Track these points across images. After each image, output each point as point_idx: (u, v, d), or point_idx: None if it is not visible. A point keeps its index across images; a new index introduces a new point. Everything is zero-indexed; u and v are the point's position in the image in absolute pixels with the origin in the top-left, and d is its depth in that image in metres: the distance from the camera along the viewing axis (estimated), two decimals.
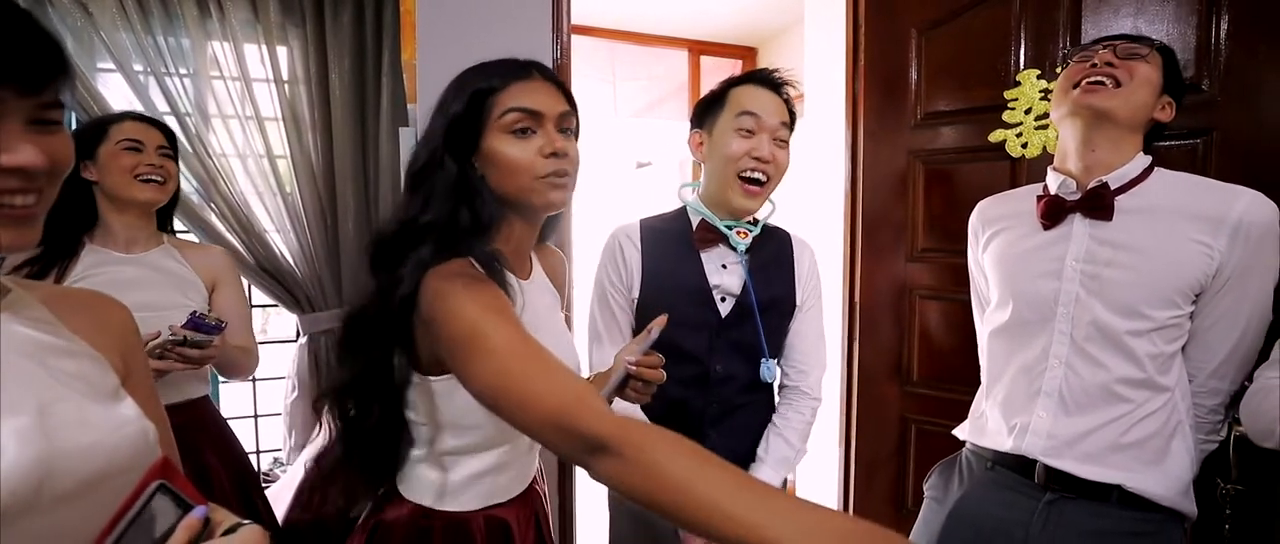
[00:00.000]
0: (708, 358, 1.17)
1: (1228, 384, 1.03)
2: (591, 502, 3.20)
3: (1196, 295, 0.99)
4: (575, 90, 2.08)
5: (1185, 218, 0.98)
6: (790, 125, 1.19)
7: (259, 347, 1.47)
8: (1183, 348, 1.03)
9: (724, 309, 1.17)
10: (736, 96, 1.16)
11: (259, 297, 2.07)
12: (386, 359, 0.81)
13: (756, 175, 1.13)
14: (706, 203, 1.21)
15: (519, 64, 0.85)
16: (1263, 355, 1.00)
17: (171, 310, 1.23)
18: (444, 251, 0.79)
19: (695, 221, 1.21)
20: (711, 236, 1.17)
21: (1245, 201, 0.96)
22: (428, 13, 1.59)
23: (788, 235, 1.27)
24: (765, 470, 1.19)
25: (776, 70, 1.19)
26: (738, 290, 1.17)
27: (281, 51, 1.91)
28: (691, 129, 1.24)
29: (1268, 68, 1.23)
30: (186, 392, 1.32)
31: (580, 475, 1.96)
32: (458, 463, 0.87)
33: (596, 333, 1.24)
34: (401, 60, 1.89)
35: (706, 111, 1.21)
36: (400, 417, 0.86)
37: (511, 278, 0.83)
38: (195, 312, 1.22)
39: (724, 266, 1.18)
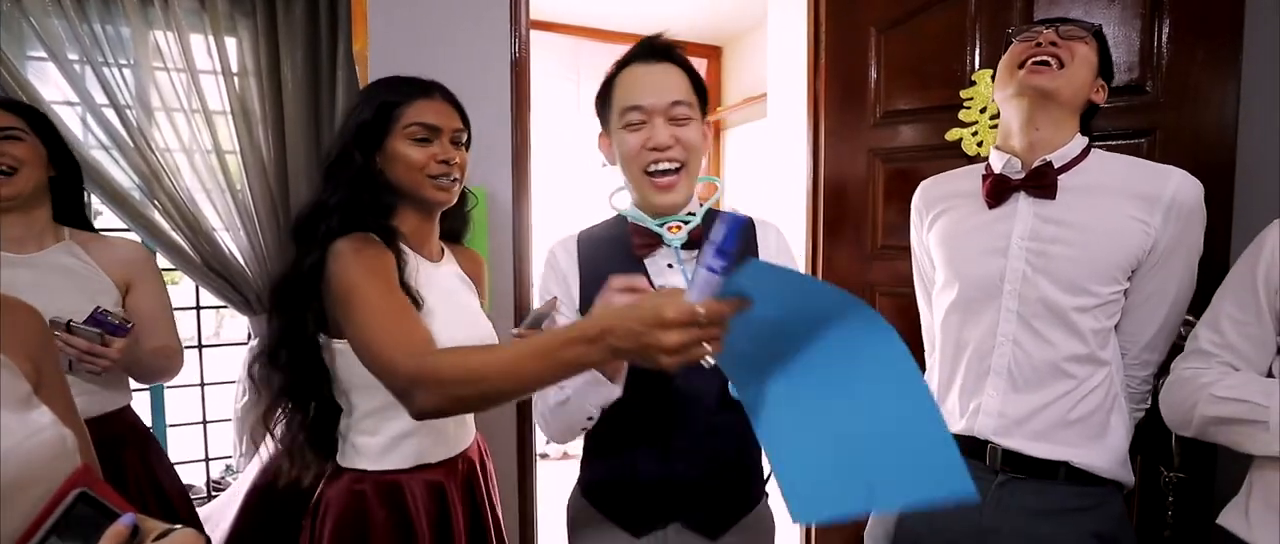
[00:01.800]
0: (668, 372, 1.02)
1: (1157, 355, 1.08)
2: (556, 505, 3.16)
3: (1132, 271, 1.03)
4: (537, 88, 2.06)
5: (1124, 196, 1.02)
6: (697, 93, 1.02)
7: (204, 350, 1.40)
8: (1116, 323, 1.07)
9: None
10: (618, 87, 1.02)
11: (208, 298, 1.98)
12: (306, 318, 0.97)
13: (661, 165, 0.99)
14: (639, 206, 1.07)
15: (423, 83, 1.04)
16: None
17: (75, 315, 1.13)
18: (348, 225, 0.96)
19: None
20: (649, 240, 1.04)
21: (1176, 180, 1.00)
22: (381, 4, 1.55)
23: (748, 221, 1.10)
24: None
25: (658, 38, 1.03)
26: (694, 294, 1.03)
27: (230, 42, 1.84)
28: (599, 132, 1.10)
29: (1205, 70, 1.28)
30: (103, 404, 1.21)
31: (542, 478, 1.94)
32: (381, 425, 1.01)
33: None
34: (354, 52, 1.83)
35: (601, 111, 1.08)
36: (324, 373, 1.01)
37: (410, 252, 1.01)
38: (98, 308, 1.14)
39: (670, 266, 1.04)
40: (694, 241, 1.02)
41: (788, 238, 1.14)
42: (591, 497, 1.07)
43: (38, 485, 0.51)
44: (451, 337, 0.94)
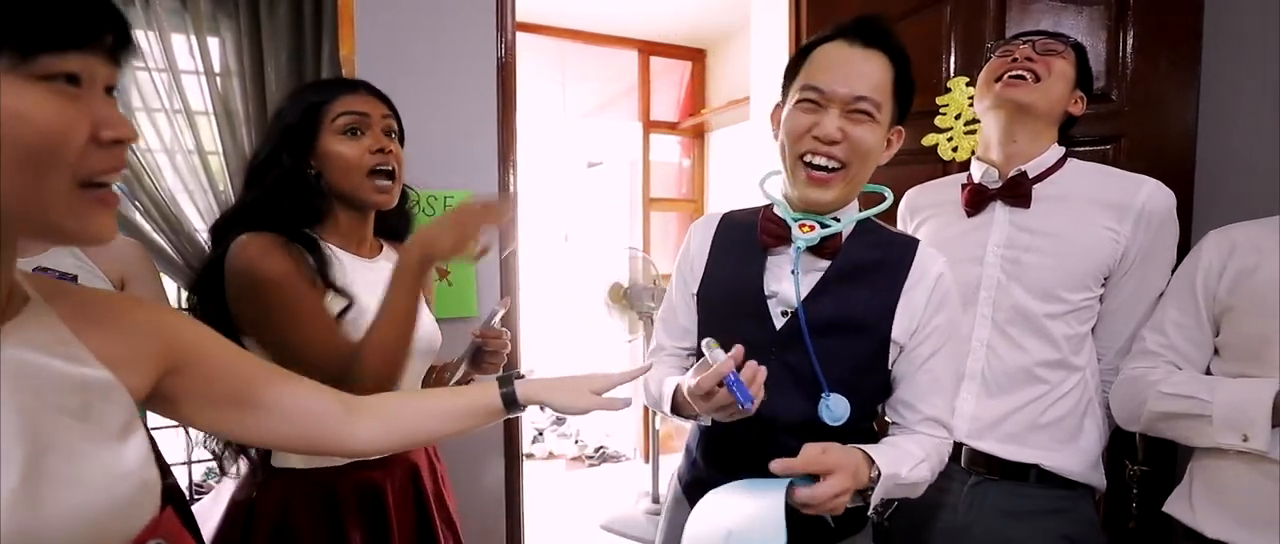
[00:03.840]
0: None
1: None
2: (543, 505, 3.17)
3: (1105, 278, 1.06)
4: (523, 90, 2.07)
5: (1096, 205, 1.05)
6: (898, 94, 0.90)
7: None
8: (1093, 329, 1.10)
9: (780, 322, 0.92)
10: (813, 60, 0.91)
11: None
12: (221, 315, 0.95)
13: (819, 160, 0.88)
14: (787, 196, 0.96)
15: (348, 80, 1.04)
16: None
17: None
18: (260, 225, 0.94)
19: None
20: (777, 231, 0.94)
21: (1147, 190, 1.04)
22: (366, 6, 1.55)
23: (910, 244, 0.94)
24: (887, 454, 0.86)
25: (876, 20, 0.89)
26: (799, 301, 0.91)
27: (212, 42, 1.83)
28: (777, 103, 0.99)
29: (1168, 79, 1.33)
30: None
31: (528, 477, 1.95)
32: None
33: (661, 317, 1.10)
34: (340, 55, 1.83)
35: (788, 76, 0.95)
36: None
37: (336, 250, 1.00)
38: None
39: (792, 273, 0.92)
40: (830, 251, 0.91)
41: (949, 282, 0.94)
42: (685, 491, 1.04)
43: (114, 539, 0.48)
44: None
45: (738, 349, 0.80)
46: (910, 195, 1.29)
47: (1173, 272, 1.08)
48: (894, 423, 0.96)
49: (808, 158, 0.89)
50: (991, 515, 1.08)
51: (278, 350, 0.90)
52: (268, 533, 0.98)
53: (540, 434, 4.00)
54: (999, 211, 1.11)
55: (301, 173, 0.98)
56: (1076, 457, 1.07)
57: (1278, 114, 1.30)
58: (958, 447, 1.11)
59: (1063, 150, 1.11)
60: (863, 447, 0.85)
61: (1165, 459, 1.30)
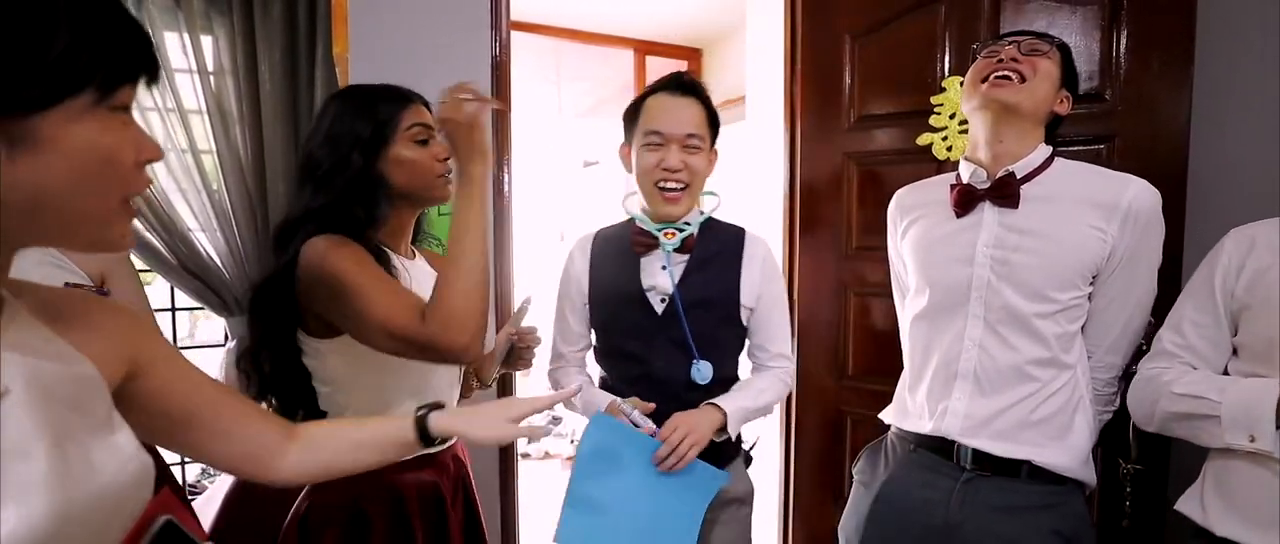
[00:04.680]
0: (648, 357, 1.22)
1: (1121, 359, 1.12)
2: (538, 505, 3.17)
3: (1093, 277, 1.07)
4: (517, 90, 2.07)
5: (1083, 204, 1.05)
6: (711, 126, 1.23)
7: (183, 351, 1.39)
8: (1082, 326, 1.10)
9: (660, 309, 1.22)
10: (646, 110, 1.22)
11: (183, 299, 1.96)
12: (286, 320, 1.01)
13: (670, 185, 1.19)
14: (645, 211, 1.26)
15: (408, 91, 1.10)
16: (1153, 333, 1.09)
17: None
18: (327, 229, 0.98)
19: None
20: (646, 240, 1.23)
21: (1134, 189, 1.04)
22: (360, 5, 1.55)
23: (740, 233, 1.29)
24: (737, 396, 1.21)
25: (686, 74, 1.25)
26: (672, 290, 1.21)
27: (206, 41, 1.82)
28: (623, 142, 1.29)
29: (1159, 79, 1.34)
30: None
31: (523, 477, 1.95)
32: None
33: (556, 330, 1.34)
34: (334, 53, 1.82)
35: (627, 125, 1.26)
36: (304, 372, 1.04)
37: (393, 256, 1.04)
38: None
39: (664, 268, 1.22)
40: (686, 248, 1.23)
41: (775, 252, 1.31)
42: None
43: (125, 520, 0.50)
44: None
45: (649, 407, 1.14)
46: (899, 196, 1.29)
47: (1159, 270, 1.09)
48: (755, 364, 1.30)
49: (661, 184, 1.20)
50: (983, 511, 1.08)
51: (358, 324, 0.93)
52: (340, 531, 1.01)
53: None
54: (987, 212, 1.11)
55: (370, 176, 1.02)
56: (1067, 453, 1.08)
57: (1271, 114, 1.31)
58: (950, 444, 1.11)
59: (1050, 150, 1.12)
60: (713, 400, 1.18)
61: (1159, 458, 1.31)
